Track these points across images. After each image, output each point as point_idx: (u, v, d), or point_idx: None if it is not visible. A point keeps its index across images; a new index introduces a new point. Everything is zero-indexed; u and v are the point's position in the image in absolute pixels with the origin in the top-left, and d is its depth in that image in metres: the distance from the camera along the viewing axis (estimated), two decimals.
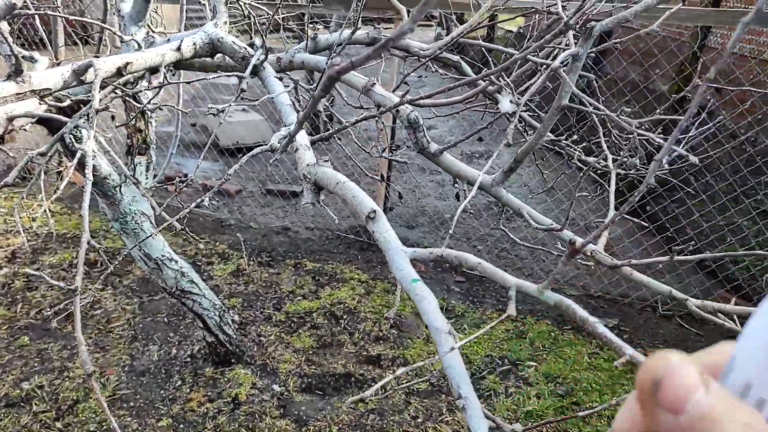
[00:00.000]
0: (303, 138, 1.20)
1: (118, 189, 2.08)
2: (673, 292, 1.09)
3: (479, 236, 4.67)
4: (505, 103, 1.03)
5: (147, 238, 2.13)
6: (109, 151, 1.52)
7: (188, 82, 1.28)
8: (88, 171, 0.96)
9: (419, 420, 2.69)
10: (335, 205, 4.97)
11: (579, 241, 0.70)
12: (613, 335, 0.68)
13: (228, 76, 1.26)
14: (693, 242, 3.86)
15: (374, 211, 0.92)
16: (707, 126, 1.64)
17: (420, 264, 4.31)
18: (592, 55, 5.76)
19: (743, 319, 1.24)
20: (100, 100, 1.12)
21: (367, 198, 0.97)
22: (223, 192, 5.07)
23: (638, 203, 3.81)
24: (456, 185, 1.19)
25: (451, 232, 0.98)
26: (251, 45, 1.30)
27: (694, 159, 1.24)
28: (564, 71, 0.88)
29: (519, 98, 1.07)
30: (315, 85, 1.09)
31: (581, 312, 0.73)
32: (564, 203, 4.61)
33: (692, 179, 3.71)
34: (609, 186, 1.22)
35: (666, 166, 1.62)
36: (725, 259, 3.81)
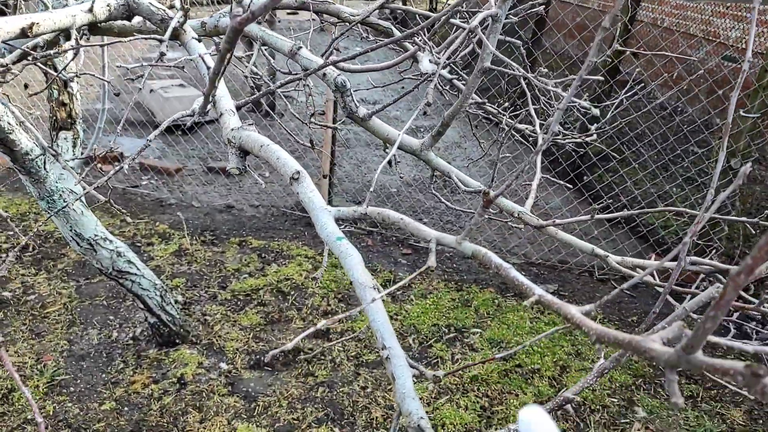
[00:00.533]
0: (228, 103, 1.17)
1: (42, 165, 1.97)
2: (595, 250, 1.14)
3: (424, 209, 4.72)
4: (425, 63, 1.04)
5: (60, 208, 2.04)
6: (23, 122, 1.44)
7: (104, 45, 1.21)
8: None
9: (368, 390, 2.74)
10: (280, 181, 4.91)
11: (492, 192, 0.73)
12: (522, 277, 0.71)
13: (146, 38, 1.21)
14: (626, 209, 4.05)
15: (298, 172, 0.92)
16: (632, 93, 1.71)
17: (367, 239, 4.33)
18: (531, 29, 5.85)
19: (660, 272, 1.32)
20: (7, 65, 1.05)
21: (291, 159, 0.97)
22: (162, 171, 4.91)
23: (574, 173, 3.95)
24: (386, 150, 1.19)
25: (372, 189, 0.99)
26: (171, 7, 1.24)
27: (595, 111, 1.29)
28: (485, 33, 0.89)
29: (438, 58, 1.07)
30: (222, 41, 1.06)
31: (496, 259, 0.75)
32: (505, 174, 4.71)
33: (624, 149, 3.86)
34: (534, 149, 1.25)
35: (593, 132, 1.68)
36: (654, 224, 4.01)
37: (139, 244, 3.80)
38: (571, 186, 1.47)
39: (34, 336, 2.89)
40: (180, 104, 5.69)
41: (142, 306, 2.69)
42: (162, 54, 1.09)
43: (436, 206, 4.75)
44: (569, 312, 0.70)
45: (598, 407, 2.64)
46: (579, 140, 1.68)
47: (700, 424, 2.56)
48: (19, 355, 2.73)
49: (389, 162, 1.25)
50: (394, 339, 0.72)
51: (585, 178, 4.33)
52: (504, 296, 3.57)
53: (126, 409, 2.48)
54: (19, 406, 2.45)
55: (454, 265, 3.95)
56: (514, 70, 1.18)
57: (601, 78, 2.33)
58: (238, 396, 2.61)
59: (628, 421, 2.59)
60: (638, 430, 2.53)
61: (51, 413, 2.43)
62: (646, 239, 3.99)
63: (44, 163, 1.99)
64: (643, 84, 4.64)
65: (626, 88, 1.83)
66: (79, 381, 2.62)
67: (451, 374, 0.88)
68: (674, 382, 0.53)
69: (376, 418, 2.55)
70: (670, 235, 3.96)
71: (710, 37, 5.44)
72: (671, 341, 0.58)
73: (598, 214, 1.09)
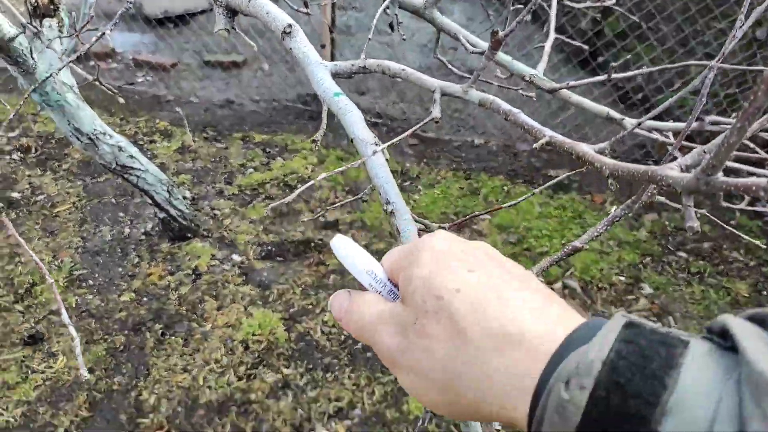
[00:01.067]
0: None
1: (29, 54, 1.87)
2: (610, 113, 1.08)
3: (431, 97, 4.57)
4: None
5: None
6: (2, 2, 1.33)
7: None
8: None
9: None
10: (280, 74, 4.73)
11: (501, 32, 0.65)
12: (532, 121, 0.66)
13: None
14: (642, 90, 3.89)
15: (290, 26, 0.83)
16: None
17: (373, 130, 4.23)
18: None
19: (675, 134, 1.25)
20: None
21: (281, 13, 0.88)
22: (157, 66, 4.72)
23: (589, 51, 3.75)
24: (387, 11, 1.09)
25: (370, 36, 0.90)
26: None
27: None
28: None
29: None
30: None
31: (505, 105, 0.70)
32: (517, 55, 4.50)
33: (643, 24, 3.63)
34: (550, 11, 1.14)
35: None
36: (670, 101, 3.87)
37: (141, 142, 3.74)
38: (585, 47, 1.36)
39: (47, 234, 2.93)
40: None
41: (150, 201, 2.69)
42: None
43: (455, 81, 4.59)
44: (582, 150, 0.65)
45: (605, 285, 2.70)
46: (594, 4, 1.54)
47: (705, 298, 2.62)
48: (36, 252, 2.78)
49: (390, 25, 1.15)
50: (397, 194, 0.68)
51: (600, 58, 4.12)
52: (513, 183, 3.54)
53: (145, 299, 2.55)
54: (43, 300, 2.53)
55: (462, 154, 3.89)
56: None
57: None
58: (252, 285, 2.68)
59: (634, 297, 2.65)
60: (644, 304, 2.60)
61: (73, 305, 2.51)
62: (661, 120, 3.86)
63: (30, 50, 1.89)
64: None
65: None
66: (96, 275, 2.69)
67: (456, 225, 0.87)
68: (691, 208, 0.49)
69: None
70: (686, 115, 3.83)
71: None
72: (689, 168, 0.53)
73: (615, 72, 1.01)
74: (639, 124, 0.89)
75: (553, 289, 2.69)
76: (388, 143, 0.71)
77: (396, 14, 1.17)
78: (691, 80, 3.50)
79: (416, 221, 0.80)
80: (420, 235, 0.81)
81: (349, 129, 0.74)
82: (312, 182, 0.72)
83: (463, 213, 3.25)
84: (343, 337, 2.42)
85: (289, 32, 0.83)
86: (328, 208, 0.99)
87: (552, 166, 3.74)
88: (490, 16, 2.24)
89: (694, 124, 1.19)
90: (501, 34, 0.74)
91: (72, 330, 0.72)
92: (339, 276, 2.75)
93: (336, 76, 0.82)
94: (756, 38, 3.16)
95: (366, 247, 2.96)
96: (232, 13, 0.97)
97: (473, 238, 3.05)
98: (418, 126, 0.75)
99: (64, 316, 0.74)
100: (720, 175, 0.47)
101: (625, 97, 4.04)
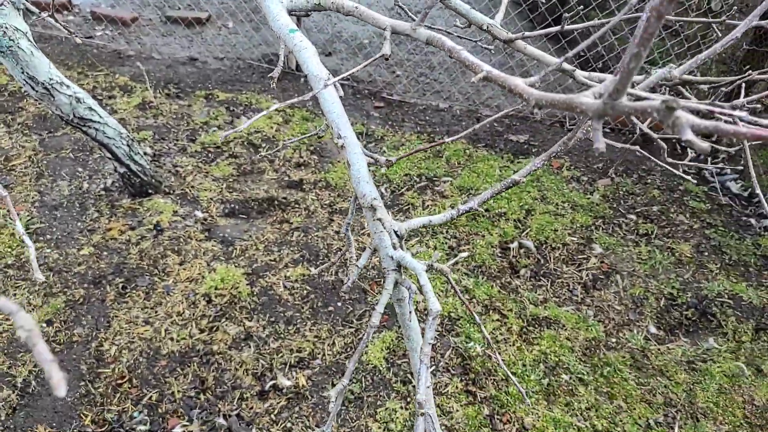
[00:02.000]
0: None
1: None
2: (563, 65, 1.13)
3: (397, 60, 4.57)
4: None
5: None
6: None
7: None
8: None
9: (341, 234, 2.83)
10: (245, 32, 4.63)
11: None
12: (472, 57, 0.70)
13: None
14: (602, 59, 3.98)
15: None
16: None
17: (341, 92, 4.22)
18: None
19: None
20: None
21: None
22: (117, 20, 4.56)
23: (552, 18, 3.79)
24: None
25: None
26: None
27: None
28: None
29: None
30: None
31: (449, 42, 0.74)
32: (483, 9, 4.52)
33: None
34: None
35: None
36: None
37: (99, 98, 3.64)
38: (530, 31, 1.40)
39: (2, 187, 2.85)
40: None
41: (110, 156, 2.65)
42: None
43: (409, 58, 4.59)
44: (514, 83, 0.70)
45: (558, 245, 2.81)
46: None
47: (651, 257, 2.76)
48: None
49: None
50: (349, 129, 0.72)
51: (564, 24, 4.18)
52: (475, 147, 3.60)
53: (105, 253, 2.54)
54: None
55: (427, 118, 3.92)
56: None
57: None
58: (215, 241, 2.69)
59: (585, 256, 2.77)
60: (594, 264, 2.73)
61: (28, 258, 2.48)
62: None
63: None
64: None
65: None
66: (54, 229, 2.65)
67: (403, 157, 0.92)
68: (599, 131, 0.55)
69: (350, 259, 2.68)
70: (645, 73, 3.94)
71: None
72: (602, 95, 0.59)
73: (568, 24, 1.05)
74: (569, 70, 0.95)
75: (509, 248, 2.80)
76: (339, 78, 0.74)
77: None
78: (653, 52, 3.55)
79: (365, 154, 0.85)
80: (369, 167, 0.85)
81: (303, 65, 0.77)
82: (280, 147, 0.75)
83: (425, 175, 3.30)
84: (305, 291, 2.47)
85: None
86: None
87: (513, 132, 3.81)
88: None
89: (637, 77, 1.25)
90: None
91: (27, 240, 0.74)
92: (302, 233, 2.79)
93: (292, 12, 0.85)
94: (711, 9, 3.26)
95: (330, 206, 3.00)
96: None
97: (435, 199, 3.11)
98: (367, 63, 0.79)
99: (18, 226, 0.76)
100: (624, 99, 0.53)
101: (585, 66, 4.12)
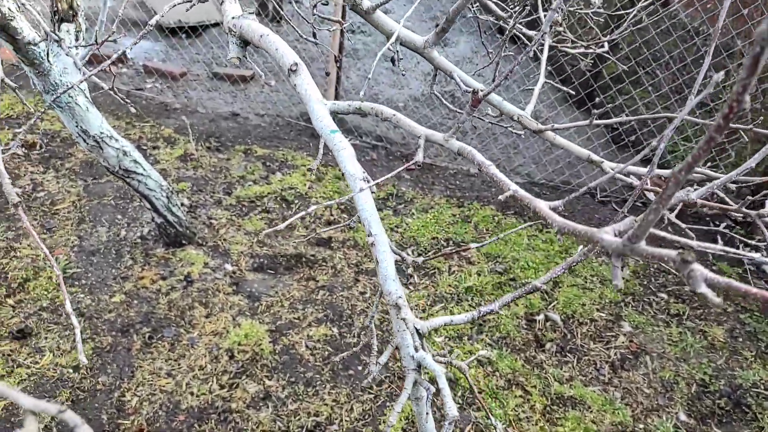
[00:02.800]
0: None
1: (45, 56, 1.95)
2: (591, 156, 1.16)
3: (431, 124, 4.68)
4: None
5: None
6: (24, 4, 1.41)
7: None
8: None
9: (367, 295, 2.85)
10: (286, 90, 4.83)
11: (481, 92, 0.73)
12: (501, 174, 0.73)
13: None
14: (635, 132, 4.00)
15: (296, 64, 0.91)
16: (649, 4, 1.65)
17: (372, 153, 4.32)
18: None
19: (650, 179, 1.33)
20: None
21: (289, 50, 0.96)
22: (166, 74, 4.82)
23: (586, 92, 3.86)
24: (390, 49, 1.17)
25: (364, 88, 0.98)
26: None
27: (596, 1, 1.26)
28: None
29: None
30: None
31: (479, 156, 0.77)
32: (516, 91, 4.62)
33: (639, 69, 3.76)
34: (542, 56, 1.23)
35: (606, 45, 1.64)
36: (660, 146, 3.97)
37: (144, 147, 3.81)
38: (573, 93, 1.47)
39: (45, 231, 2.98)
40: (182, 5, 5.49)
41: (149, 206, 2.75)
42: None
43: (442, 122, 4.70)
44: (538, 206, 0.74)
45: (586, 320, 2.76)
46: (586, 51, 1.64)
47: (682, 339, 2.68)
48: (32, 248, 2.83)
49: (392, 60, 1.24)
50: (380, 227, 0.75)
51: (596, 99, 4.24)
52: (504, 214, 3.62)
53: (135, 301, 2.60)
54: (35, 295, 2.57)
55: (457, 182, 3.97)
56: None
57: None
58: (242, 295, 2.73)
59: (613, 334, 2.71)
60: (623, 342, 2.66)
61: (62, 302, 2.56)
62: (649, 162, 3.97)
63: (47, 54, 1.97)
64: (665, 0, 4.42)
65: (644, 2, 1.76)
66: (90, 275, 2.73)
67: (431, 258, 0.95)
68: (618, 268, 0.58)
69: (373, 351, 2.68)
70: (677, 159, 3.94)
71: None
72: (623, 233, 0.61)
73: (596, 119, 1.09)
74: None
75: (535, 320, 2.76)
76: (375, 182, 0.78)
77: (397, 51, 1.25)
78: (682, 127, 3.58)
79: (394, 252, 0.87)
80: (396, 266, 0.88)
81: (341, 164, 0.82)
82: (312, 208, 0.79)
83: (453, 240, 3.32)
84: (326, 353, 2.46)
85: (295, 70, 0.91)
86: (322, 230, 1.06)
87: (544, 199, 3.82)
88: (489, 53, 2.35)
89: (665, 171, 1.27)
90: (480, 93, 0.82)
91: (74, 320, 0.78)
92: (328, 292, 2.81)
93: (334, 113, 0.90)
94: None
95: (356, 265, 3.02)
96: (244, 43, 1.05)
97: (461, 266, 3.11)
98: (400, 169, 0.83)
99: (68, 305, 0.80)
100: (643, 243, 0.55)
101: (617, 139, 4.15)
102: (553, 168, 4.09)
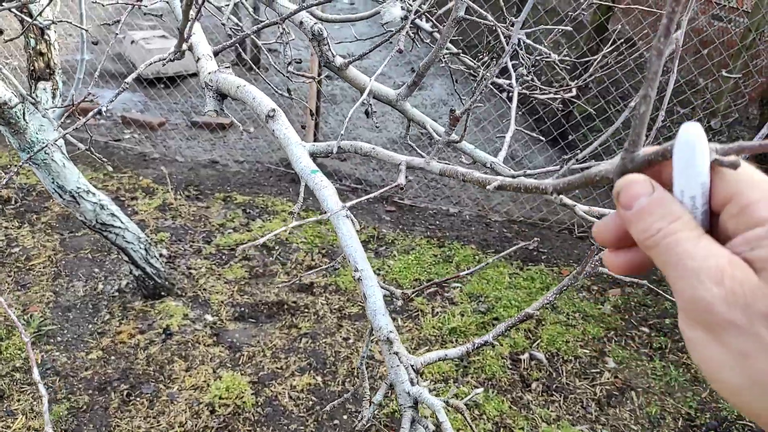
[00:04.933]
0: (205, 48, 1.17)
1: (20, 115, 1.96)
2: (564, 200, 1.18)
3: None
4: (394, 10, 1.05)
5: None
6: (1, 69, 1.42)
7: None
8: None
9: (350, 341, 2.82)
10: (265, 137, 4.88)
11: (458, 111, 0.76)
12: (484, 175, 0.75)
13: None
14: None
15: (273, 110, 0.94)
16: (614, 50, 1.73)
17: (352, 196, 4.36)
18: None
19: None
20: None
21: (266, 98, 0.98)
22: (145, 124, 4.85)
23: (558, 131, 3.96)
24: (364, 102, 1.21)
25: (342, 132, 1.01)
26: None
27: (554, 56, 1.32)
28: None
29: (410, 5, 1.08)
30: None
31: (461, 168, 0.79)
32: (491, 132, 4.73)
33: (609, 108, 3.88)
34: (511, 104, 1.27)
35: (572, 86, 1.70)
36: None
37: (122, 198, 3.79)
38: (542, 138, 1.53)
39: (19, 287, 2.92)
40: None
41: (126, 259, 2.72)
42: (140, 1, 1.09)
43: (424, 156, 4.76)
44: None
45: (570, 358, 2.76)
46: (555, 96, 1.70)
47: (666, 373, 2.69)
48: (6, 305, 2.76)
49: (366, 112, 1.27)
50: (365, 262, 0.76)
51: (569, 137, 4.36)
52: (485, 253, 3.64)
53: (113, 358, 2.54)
54: (8, 355, 2.49)
55: (437, 222, 4.01)
56: (487, 20, 1.19)
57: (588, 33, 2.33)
58: (223, 346, 2.68)
59: (598, 370, 2.71)
60: (608, 378, 2.66)
61: (39, 361, 2.48)
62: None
63: (23, 113, 1.97)
64: (632, 42, 4.62)
65: (609, 45, 1.84)
66: (65, 331, 2.67)
67: (417, 291, 0.96)
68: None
69: (363, 394, 2.64)
70: None
71: None
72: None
73: (566, 164, 1.12)
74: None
75: (520, 360, 2.75)
76: (352, 202, 0.79)
77: (371, 103, 1.29)
78: None
79: (382, 287, 0.88)
80: (385, 300, 0.88)
81: (323, 202, 0.83)
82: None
83: (435, 280, 3.32)
84: (310, 402, 2.42)
85: (273, 116, 0.93)
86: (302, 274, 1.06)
87: (523, 238, 3.87)
88: (461, 97, 2.41)
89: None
90: (457, 112, 0.85)
91: (41, 388, 0.77)
92: (310, 340, 2.77)
93: (314, 155, 0.92)
94: (711, 127, 3.40)
95: (339, 311, 3.00)
96: (221, 96, 1.08)
97: (444, 305, 3.11)
98: (382, 190, 0.84)
99: (35, 374, 0.78)
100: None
101: None
102: (530, 206, 4.15)
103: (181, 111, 5.23)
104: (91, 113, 0.99)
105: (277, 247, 3.49)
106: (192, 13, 0.92)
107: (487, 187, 0.82)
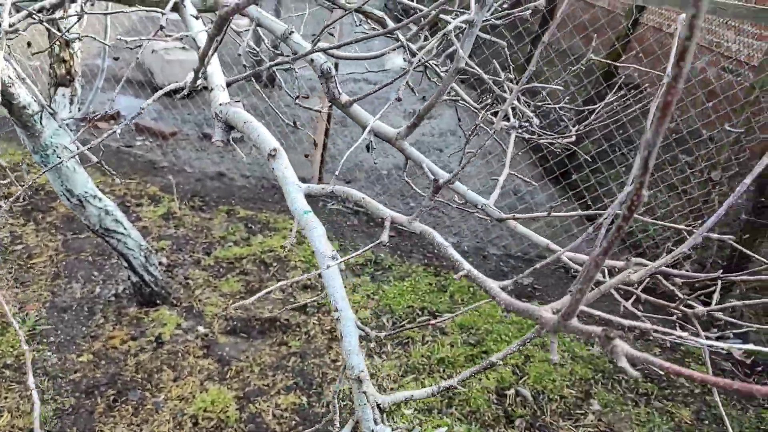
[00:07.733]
0: (219, 79, 1.24)
1: (38, 120, 2.03)
2: (550, 245, 1.23)
3: (412, 193, 4.80)
4: (397, 61, 1.11)
5: (53, 165, 2.10)
6: (25, 79, 1.49)
7: (107, 14, 1.27)
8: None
9: (338, 363, 2.84)
10: None
11: (441, 179, 0.81)
12: (457, 255, 0.80)
13: (147, 11, 1.26)
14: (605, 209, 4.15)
15: (275, 150, 0.99)
16: (621, 97, 1.78)
17: (354, 219, 4.41)
18: (539, 20, 5.86)
19: (610, 270, 1.41)
20: (13, 24, 1.11)
21: (270, 137, 1.04)
22: (157, 133, 4.94)
23: (561, 171, 4.02)
24: (366, 138, 1.26)
25: (337, 172, 1.06)
26: None
27: (534, 119, 1.37)
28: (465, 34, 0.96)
29: (411, 58, 1.15)
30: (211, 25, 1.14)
31: (438, 238, 0.84)
32: (494, 166, 4.79)
33: (612, 151, 3.94)
34: (507, 147, 1.33)
35: (572, 134, 1.75)
36: (633, 227, 4.08)
37: (128, 204, 3.86)
38: (534, 183, 1.59)
39: (18, 285, 2.96)
40: (180, 68, 5.70)
41: (126, 265, 2.77)
42: (161, 27, 1.15)
43: (424, 191, 4.82)
44: (488, 285, 0.80)
45: (556, 397, 2.76)
46: (556, 141, 1.76)
47: (650, 420, 2.69)
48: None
49: (367, 147, 1.32)
50: (345, 302, 0.80)
51: (572, 176, 4.41)
52: (479, 285, 3.66)
53: (103, 362, 2.57)
54: (0, 352, 2.53)
55: (435, 251, 4.04)
56: (483, 73, 1.25)
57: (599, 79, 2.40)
58: (212, 359, 2.71)
59: (583, 412, 2.71)
60: (592, 421, 2.66)
61: (30, 361, 2.51)
62: (623, 241, 4.09)
63: (41, 118, 2.04)
64: (640, 89, 4.70)
65: (615, 91, 1.90)
66: (59, 332, 2.71)
67: (390, 336, 1.00)
68: (555, 343, 0.64)
69: (344, 390, 2.66)
70: (647, 239, 4.07)
71: (713, 47, 5.48)
72: (559, 311, 0.68)
73: (554, 212, 1.17)
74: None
75: (505, 395, 2.76)
76: (342, 260, 0.84)
77: (371, 140, 1.34)
78: (651, 208, 3.71)
79: (359, 327, 0.92)
80: (360, 341, 0.92)
81: (313, 243, 0.88)
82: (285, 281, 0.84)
83: (428, 309, 3.35)
84: (293, 422, 2.43)
85: (274, 155, 0.99)
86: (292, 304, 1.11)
87: (518, 272, 3.89)
88: (466, 133, 2.47)
89: (619, 263, 1.35)
90: (441, 182, 0.90)
91: (35, 395, 0.81)
92: (299, 359, 2.80)
93: (309, 196, 0.97)
94: (711, 179, 3.45)
95: (330, 332, 3.03)
96: (229, 127, 1.14)
97: (435, 334, 3.13)
98: (366, 249, 0.89)
99: (30, 381, 0.82)
100: (574, 321, 0.62)
101: (592, 217, 4.29)
102: (528, 242, 4.18)
103: (194, 122, 5.33)
104: (106, 134, 1.05)
105: (275, 264, 3.53)
106: (213, 45, 0.99)
107: (455, 276, 0.88)
